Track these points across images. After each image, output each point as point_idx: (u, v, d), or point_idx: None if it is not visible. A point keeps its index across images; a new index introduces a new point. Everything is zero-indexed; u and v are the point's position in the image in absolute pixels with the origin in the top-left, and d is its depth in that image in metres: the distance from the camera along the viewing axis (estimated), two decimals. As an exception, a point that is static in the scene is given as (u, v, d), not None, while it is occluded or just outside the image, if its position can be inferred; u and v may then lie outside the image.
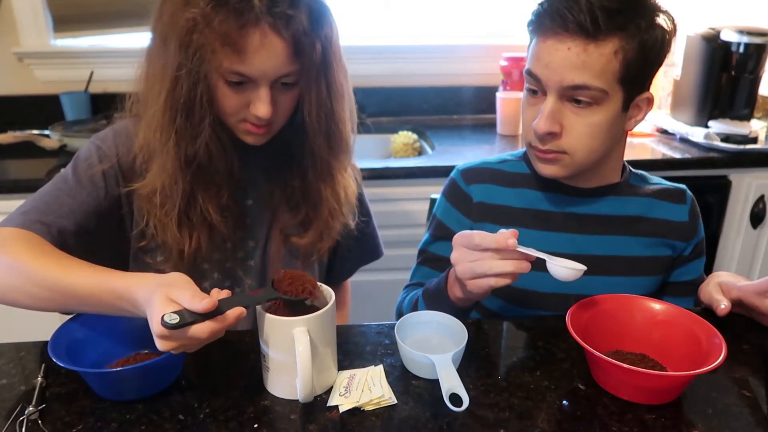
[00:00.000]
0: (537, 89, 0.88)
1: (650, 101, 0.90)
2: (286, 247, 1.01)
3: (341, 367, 0.77)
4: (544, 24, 0.84)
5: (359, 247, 1.11)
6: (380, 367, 0.78)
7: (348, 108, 0.94)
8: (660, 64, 0.87)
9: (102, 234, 0.89)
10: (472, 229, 1.00)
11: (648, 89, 0.89)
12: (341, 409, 0.70)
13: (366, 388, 0.73)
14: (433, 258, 1.06)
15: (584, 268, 0.76)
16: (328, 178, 0.97)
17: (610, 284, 0.97)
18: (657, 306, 0.81)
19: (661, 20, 0.84)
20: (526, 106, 0.92)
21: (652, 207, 1.00)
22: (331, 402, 0.72)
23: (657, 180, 1.04)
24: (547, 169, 0.92)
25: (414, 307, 0.98)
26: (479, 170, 1.05)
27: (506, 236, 0.75)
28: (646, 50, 0.83)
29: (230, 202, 0.93)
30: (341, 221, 1.01)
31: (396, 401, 0.72)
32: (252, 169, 0.98)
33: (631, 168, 1.02)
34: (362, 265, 1.17)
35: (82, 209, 0.86)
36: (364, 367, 0.78)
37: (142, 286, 0.69)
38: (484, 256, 0.77)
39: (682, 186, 1.04)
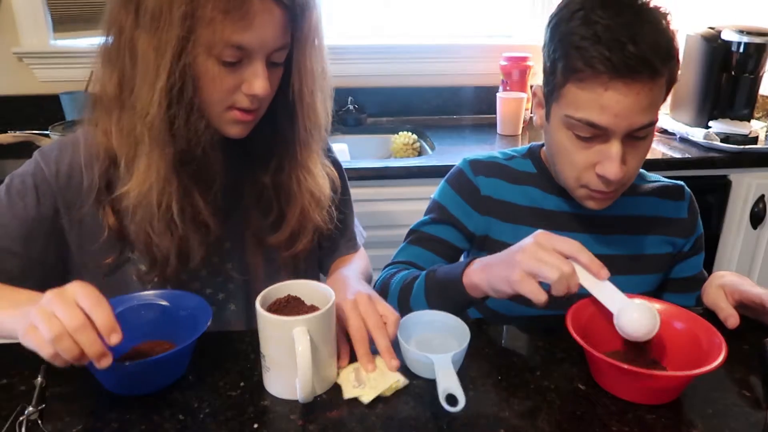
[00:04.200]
0: (593, 135, 0.85)
1: None
2: (262, 250, 0.97)
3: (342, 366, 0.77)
4: (602, 69, 0.79)
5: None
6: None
7: (328, 90, 0.89)
8: None
9: (43, 254, 0.86)
10: (479, 223, 1.01)
11: None
12: (365, 401, 0.71)
13: (378, 375, 0.74)
14: (427, 238, 1.03)
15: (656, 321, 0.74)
16: (305, 165, 0.92)
17: (613, 283, 0.97)
18: (657, 306, 0.81)
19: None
20: (577, 149, 0.87)
21: (653, 205, 1.00)
22: (348, 396, 0.72)
23: (655, 177, 1.04)
24: (603, 204, 0.92)
25: (406, 288, 0.93)
26: (487, 164, 1.04)
27: (601, 266, 0.74)
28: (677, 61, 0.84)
29: (219, 199, 0.87)
30: (317, 218, 0.95)
31: (408, 381, 0.74)
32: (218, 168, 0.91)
33: None
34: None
35: (10, 230, 0.84)
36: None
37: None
38: (558, 261, 0.73)
39: (680, 183, 1.04)
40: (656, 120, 0.84)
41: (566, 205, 0.99)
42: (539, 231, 0.77)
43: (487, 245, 1.02)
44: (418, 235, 1.05)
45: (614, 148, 0.84)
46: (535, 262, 0.73)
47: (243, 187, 0.94)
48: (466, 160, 1.05)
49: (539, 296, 0.73)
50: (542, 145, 1.03)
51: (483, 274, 0.82)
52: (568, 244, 0.74)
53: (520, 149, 1.06)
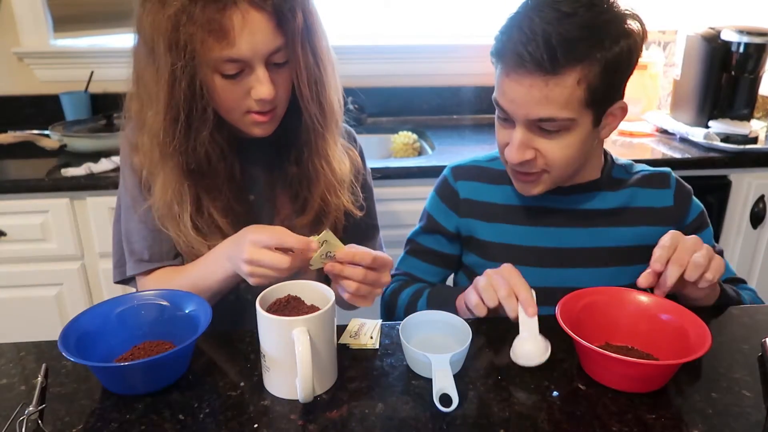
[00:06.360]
0: (505, 117, 0.90)
1: (624, 110, 0.91)
2: None
3: (341, 366, 0.78)
4: (504, 59, 0.85)
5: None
6: (379, 321, 0.88)
7: (336, 77, 0.94)
8: (631, 72, 0.87)
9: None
10: (458, 224, 1.05)
11: (622, 97, 0.89)
12: (351, 347, 0.82)
13: (369, 336, 0.85)
14: (421, 250, 1.10)
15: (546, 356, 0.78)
16: (322, 152, 0.97)
17: (597, 275, 0.99)
18: (644, 299, 0.81)
19: (629, 25, 0.83)
20: (499, 128, 0.93)
21: (636, 196, 1.01)
22: (342, 341, 0.82)
23: (640, 167, 1.05)
24: (528, 189, 0.95)
25: (412, 303, 1.01)
26: (468, 168, 1.08)
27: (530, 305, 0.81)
28: (613, 69, 0.83)
29: (234, 202, 0.94)
30: (339, 199, 1.00)
31: (377, 347, 0.83)
32: (252, 164, 0.98)
33: (614, 160, 1.03)
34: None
35: (150, 231, 0.96)
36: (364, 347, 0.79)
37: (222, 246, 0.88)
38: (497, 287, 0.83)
39: (666, 170, 1.05)
40: (562, 117, 0.84)
41: (544, 200, 1.00)
42: (504, 265, 0.86)
43: (473, 245, 1.05)
44: (414, 246, 1.11)
45: (517, 133, 0.88)
46: (481, 289, 0.85)
47: (276, 182, 1.00)
48: (450, 167, 1.10)
49: (479, 309, 0.85)
50: None
51: (461, 302, 0.92)
52: (515, 279, 0.83)
53: None
